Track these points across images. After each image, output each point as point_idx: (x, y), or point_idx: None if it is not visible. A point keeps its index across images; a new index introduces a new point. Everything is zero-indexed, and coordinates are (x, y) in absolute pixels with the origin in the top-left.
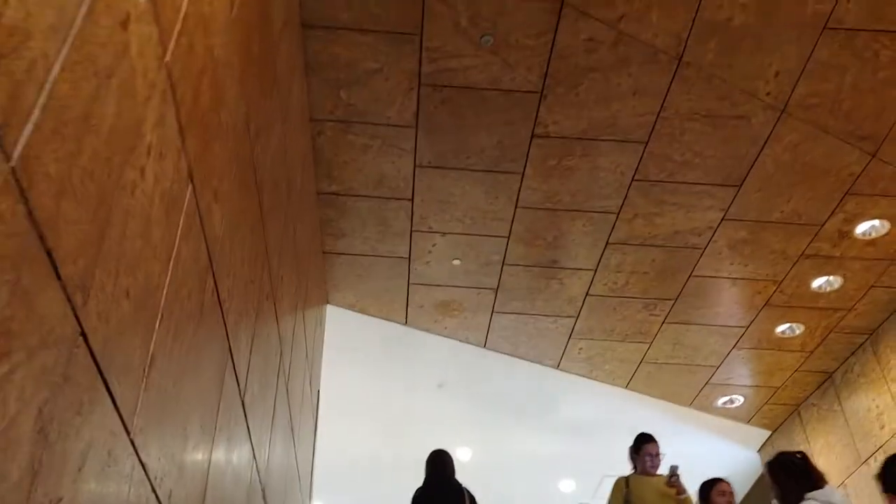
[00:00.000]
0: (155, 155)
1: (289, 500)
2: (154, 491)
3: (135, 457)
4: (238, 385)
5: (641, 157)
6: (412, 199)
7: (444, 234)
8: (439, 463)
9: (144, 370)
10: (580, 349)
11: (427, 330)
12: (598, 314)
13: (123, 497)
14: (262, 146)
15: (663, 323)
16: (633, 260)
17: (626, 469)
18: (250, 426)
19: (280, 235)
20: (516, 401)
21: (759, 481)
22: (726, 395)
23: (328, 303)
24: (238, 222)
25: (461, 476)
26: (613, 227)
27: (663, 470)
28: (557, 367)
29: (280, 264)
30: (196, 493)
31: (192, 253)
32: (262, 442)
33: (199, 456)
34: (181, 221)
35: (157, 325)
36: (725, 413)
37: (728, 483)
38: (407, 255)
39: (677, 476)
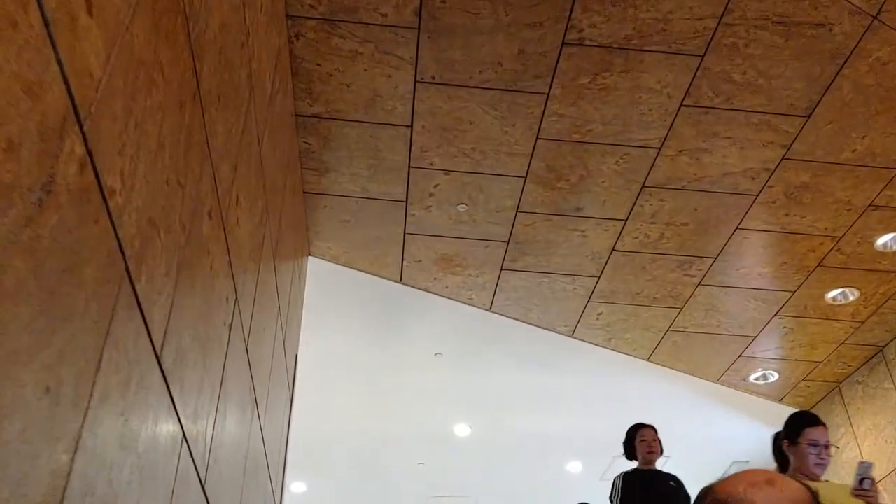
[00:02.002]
0: None
1: (251, 483)
2: None
3: None
4: (149, 336)
5: (695, 76)
6: (411, 126)
7: (448, 171)
8: None
9: None
10: (599, 314)
11: (425, 289)
12: (623, 273)
13: None
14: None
15: (699, 285)
16: (672, 208)
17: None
18: (175, 395)
19: (236, 140)
20: (523, 373)
21: None
22: (760, 370)
23: (310, 254)
24: (150, 76)
25: (457, 455)
26: (653, 166)
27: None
28: (572, 334)
29: (235, 179)
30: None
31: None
32: (199, 416)
33: (52, 445)
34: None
35: None
36: (756, 390)
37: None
38: (403, 198)
39: (870, 479)
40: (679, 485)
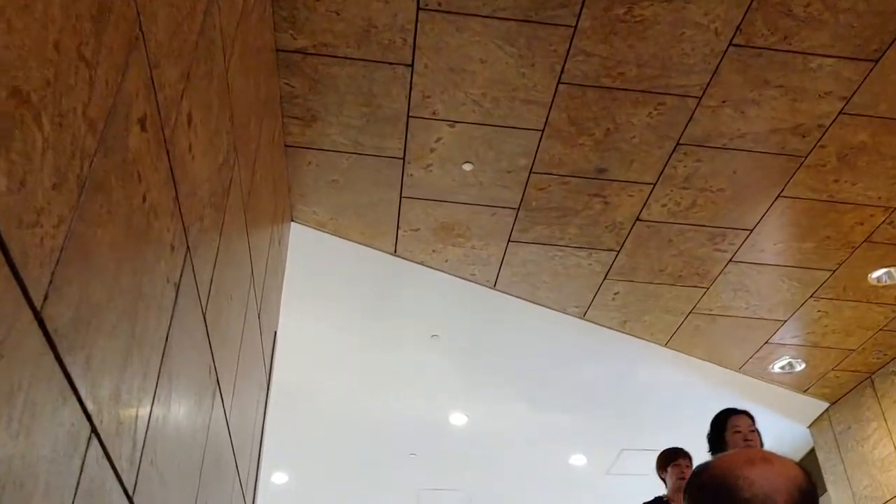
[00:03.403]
0: None
1: (211, 483)
2: None
3: None
4: (18, 279)
5: (749, 7)
6: (412, 66)
7: (453, 123)
8: None
9: None
10: (616, 294)
11: (422, 263)
12: (647, 247)
13: None
14: None
15: (730, 261)
16: (709, 171)
17: (646, 443)
18: (75, 372)
19: (188, 40)
20: (526, 358)
21: (805, 460)
22: (785, 358)
23: (292, 219)
24: None
25: (452, 446)
26: (691, 119)
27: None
28: (584, 316)
29: (186, 91)
30: None
31: None
32: (123, 402)
33: None
34: None
35: None
36: (780, 380)
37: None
38: (401, 155)
39: None
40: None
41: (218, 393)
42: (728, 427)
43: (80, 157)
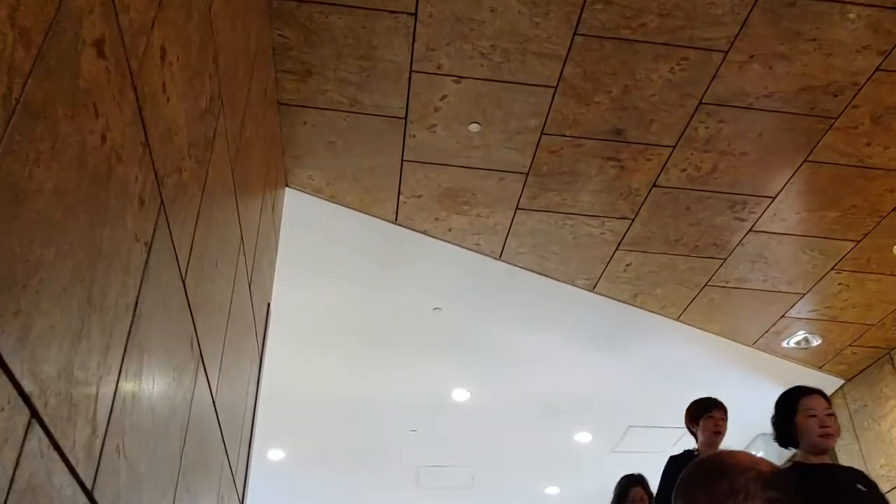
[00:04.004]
0: None
1: (194, 466)
2: None
3: None
4: None
5: None
6: (415, 14)
7: (459, 78)
8: None
9: None
10: (628, 265)
11: (424, 232)
12: (663, 215)
13: None
14: None
15: (749, 231)
16: (732, 132)
17: (654, 420)
18: (5, 341)
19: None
20: (531, 333)
21: None
22: (801, 333)
23: (287, 185)
24: None
25: (454, 422)
26: (715, 76)
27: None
28: (593, 288)
29: (157, 20)
30: None
31: None
32: (78, 379)
33: None
34: None
35: None
36: (794, 356)
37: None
38: (402, 114)
39: None
40: (871, 485)
41: (202, 368)
42: (800, 409)
43: (9, 73)
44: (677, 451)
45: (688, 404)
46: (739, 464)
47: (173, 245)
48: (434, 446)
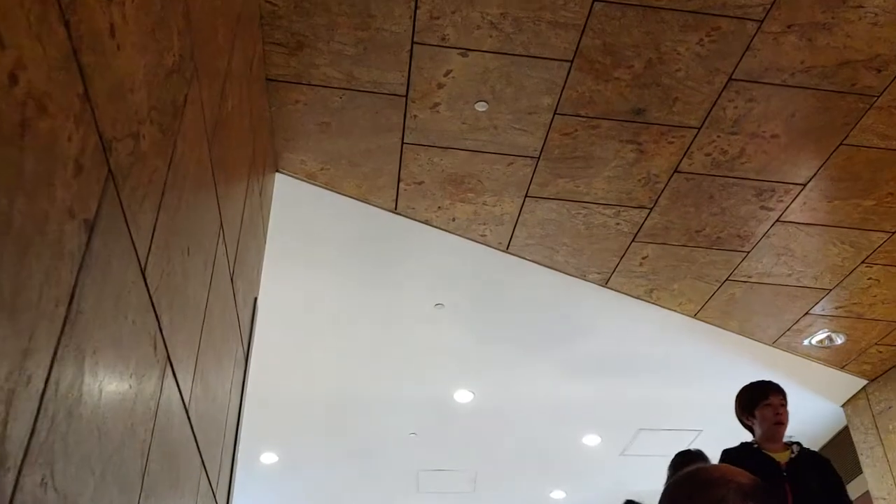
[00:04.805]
0: None
1: (160, 486)
2: None
3: None
4: None
5: None
6: None
7: (466, 51)
8: None
9: None
10: (644, 258)
11: (426, 222)
12: (684, 204)
13: None
14: None
15: (776, 221)
16: (763, 112)
17: (666, 422)
18: None
19: None
20: (538, 330)
21: (835, 440)
22: (825, 331)
23: (278, 170)
24: None
25: (456, 424)
26: (748, 48)
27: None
28: (606, 283)
29: None
30: None
31: None
32: None
33: None
34: None
35: None
36: (816, 355)
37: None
38: (403, 91)
39: None
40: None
41: (169, 372)
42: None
43: None
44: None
45: (737, 392)
46: (722, 476)
47: (128, 227)
48: (434, 449)
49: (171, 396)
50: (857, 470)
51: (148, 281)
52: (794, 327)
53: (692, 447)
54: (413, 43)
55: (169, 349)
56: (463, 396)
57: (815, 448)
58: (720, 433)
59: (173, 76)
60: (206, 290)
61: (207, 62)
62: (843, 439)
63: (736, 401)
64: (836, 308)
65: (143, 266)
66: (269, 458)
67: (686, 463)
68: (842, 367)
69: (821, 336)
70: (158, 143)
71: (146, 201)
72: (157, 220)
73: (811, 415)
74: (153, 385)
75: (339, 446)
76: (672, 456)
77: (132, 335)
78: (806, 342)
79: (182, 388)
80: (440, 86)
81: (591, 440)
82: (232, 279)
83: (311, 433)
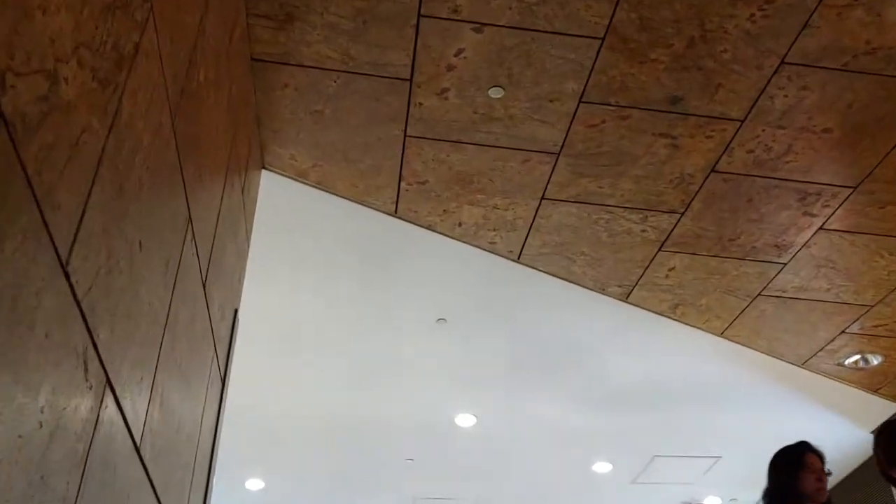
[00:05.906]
0: None
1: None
2: None
3: None
4: None
5: None
6: None
7: (480, 26)
8: None
9: None
10: (671, 270)
11: (429, 227)
12: (719, 208)
13: None
14: None
15: (820, 229)
16: (816, 102)
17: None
18: None
19: None
20: (548, 350)
21: (863, 467)
22: (860, 352)
23: (264, 167)
24: None
25: (457, 450)
26: (806, 25)
27: None
28: (626, 298)
29: None
30: None
31: None
32: None
33: None
34: None
35: None
36: (848, 377)
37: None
38: (407, 74)
39: None
40: None
41: (109, 395)
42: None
43: None
44: (709, 479)
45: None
46: None
47: (38, 205)
48: (433, 476)
49: (111, 431)
50: (887, 500)
51: (73, 280)
52: (828, 347)
53: (710, 473)
54: (420, 16)
55: (108, 369)
56: (465, 420)
57: (843, 476)
58: (740, 459)
59: (116, 14)
60: (168, 296)
61: (169, 14)
62: (872, 467)
63: (879, 443)
64: (876, 326)
65: (64, 261)
66: (254, 484)
67: (808, 451)
68: (876, 391)
69: (855, 357)
70: (91, 95)
71: (70, 169)
72: (88, 198)
73: (839, 441)
74: (81, 417)
75: (330, 471)
76: (687, 484)
77: (44, 353)
78: (838, 363)
79: (129, 418)
80: (450, 67)
81: (602, 467)
82: (204, 285)
83: (299, 457)
